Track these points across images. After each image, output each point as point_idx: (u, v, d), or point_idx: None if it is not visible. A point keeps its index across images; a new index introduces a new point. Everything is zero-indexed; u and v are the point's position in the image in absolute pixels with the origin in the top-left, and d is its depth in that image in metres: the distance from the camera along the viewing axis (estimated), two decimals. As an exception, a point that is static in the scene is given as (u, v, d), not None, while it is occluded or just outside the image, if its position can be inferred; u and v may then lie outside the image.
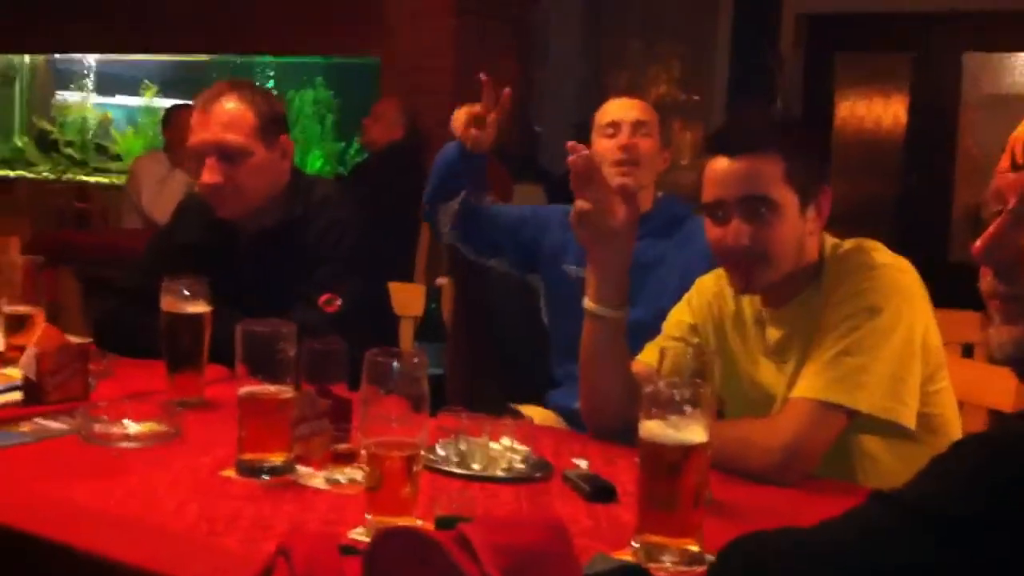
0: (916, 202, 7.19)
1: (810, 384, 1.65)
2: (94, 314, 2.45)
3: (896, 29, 7.13)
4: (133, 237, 4.80)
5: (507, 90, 2.46)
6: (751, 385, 1.83)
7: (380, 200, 4.47)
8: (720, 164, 1.73)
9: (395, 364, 1.34)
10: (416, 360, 1.35)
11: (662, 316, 1.99)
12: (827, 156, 1.79)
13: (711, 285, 1.93)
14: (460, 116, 2.49)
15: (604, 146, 2.58)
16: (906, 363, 1.67)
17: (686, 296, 1.96)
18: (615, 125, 2.59)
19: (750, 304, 1.86)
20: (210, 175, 2.22)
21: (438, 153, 2.59)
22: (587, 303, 1.80)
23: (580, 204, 1.75)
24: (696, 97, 7.54)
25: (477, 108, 2.47)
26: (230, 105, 2.24)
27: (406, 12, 5.39)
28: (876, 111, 7.40)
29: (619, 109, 2.63)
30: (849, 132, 7.50)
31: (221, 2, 6.58)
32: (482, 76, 2.46)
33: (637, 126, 2.59)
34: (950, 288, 2.16)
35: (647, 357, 1.88)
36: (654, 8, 7.42)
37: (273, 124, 2.29)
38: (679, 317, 1.93)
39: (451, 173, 2.56)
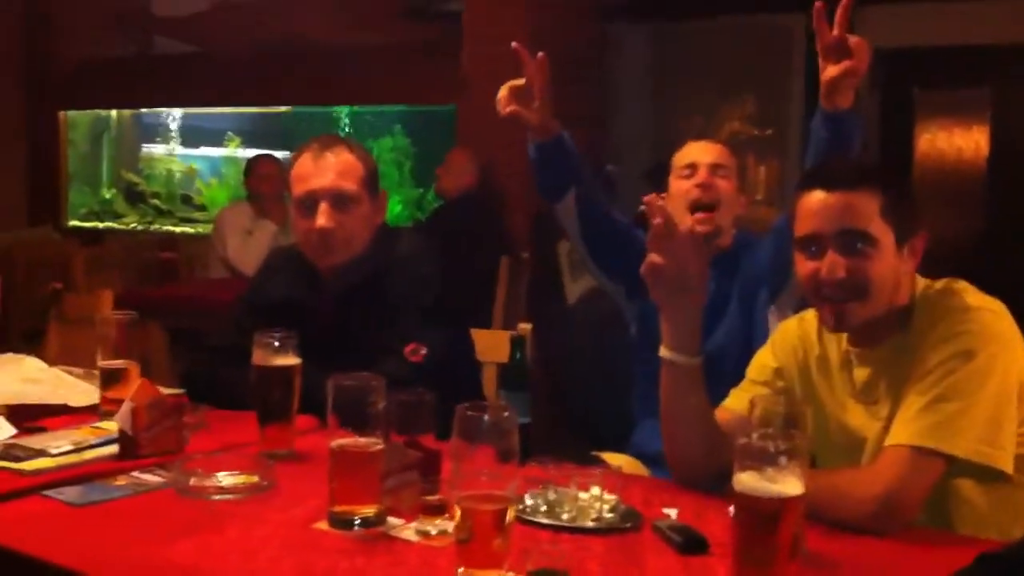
0: (1002, 237, 7.04)
1: (906, 430, 1.62)
2: (186, 369, 2.50)
3: (973, 62, 7.02)
4: (219, 288, 4.91)
5: (541, 54, 2.39)
6: (839, 429, 1.80)
7: (457, 247, 4.52)
8: (817, 197, 1.73)
9: (485, 417, 1.35)
10: (506, 414, 1.36)
11: (725, 350, 1.98)
12: (917, 198, 1.77)
13: (795, 328, 1.91)
14: (502, 93, 2.44)
15: (681, 187, 2.59)
16: (1003, 407, 1.63)
17: (770, 339, 1.95)
18: (692, 167, 2.60)
19: (836, 346, 1.83)
20: (326, 219, 2.27)
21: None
22: (663, 351, 1.79)
23: (653, 258, 1.75)
24: (769, 131, 7.49)
25: (519, 82, 2.42)
26: (343, 155, 2.32)
27: (483, 61, 5.46)
28: (957, 145, 7.29)
29: (697, 151, 2.64)
30: (930, 167, 7.38)
31: (300, 55, 6.74)
32: (513, 44, 2.40)
33: (715, 168, 2.60)
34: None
35: (732, 404, 1.87)
36: (725, 47, 7.41)
37: (374, 178, 2.38)
38: (763, 361, 1.91)
39: (539, 170, 2.55)
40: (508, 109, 2.42)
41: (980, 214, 7.11)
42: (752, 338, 2.45)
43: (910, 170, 7.29)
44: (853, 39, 2.07)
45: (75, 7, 7.73)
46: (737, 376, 1.95)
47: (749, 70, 7.41)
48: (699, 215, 2.53)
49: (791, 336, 1.88)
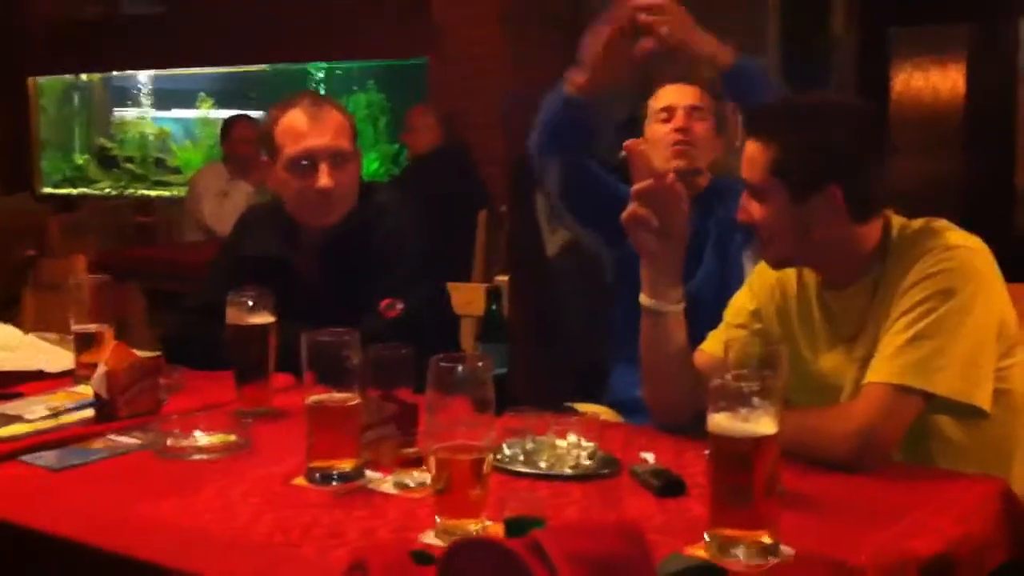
0: (977, 175, 7.06)
1: (885, 368, 1.63)
2: (163, 331, 2.49)
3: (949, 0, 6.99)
4: (196, 250, 4.87)
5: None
6: (816, 371, 1.81)
7: (430, 203, 4.49)
8: (746, 143, 1.77)
9: (459, 368, 1.35)
10: (480, 363, 1.36)
11: (701, 293, 2.01)
12: (839, 154, 1.72)
13: (773, 270, 1.91)
14: (600, 37, 2.29)
15: (658, 131, 2.56)
16: (982, 345, 1.64)
17: (747, 281, 1.95)
18: (669, 110, 2.57)
19: (814, 288, 1.84)
20: (327, 179, 2.25)
21: (545, 102, 2.48)
22: (643, 299, 1.80)
23: (635, 207, 1.75)
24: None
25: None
26: (335, 113, 2.30)
27: (454, 14, 5.40)
28: (933, 85, 7.27)
29: (674, 94, 2.61)
30: (906, 107, 7.37)
31: (271, 13, 6.65)
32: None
33: (692, 110, 2.57)
34: (1015, 261, 2.11)
35: (710, 347, 1.87)
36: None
37: (356, 135, 2.36)
38: (741, 303, 1.92)
39: (556, 126, 2.46)
40: (598, 61, 2.31)
41: (957, 154, 7.12)
42: (728, 281, 2.42)
43: (885, 111, 7.28)
44: None
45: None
46: (713, 319, 1.95)
47: (727, 16, 7.35)
48: (675, 150, 2.51)
49: (769, 278, 1.88)
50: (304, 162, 2.26)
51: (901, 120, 7.40)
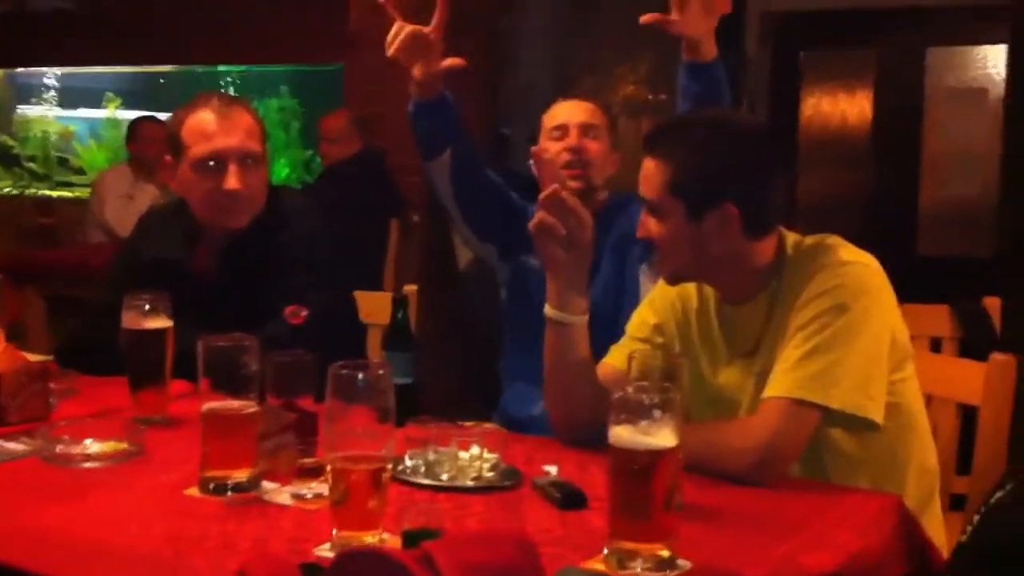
0: (884, 196, 7.23)
1: (782, 383, 1.65)
2: (61, 334, 2.41)
3: (859, 25, 7.17)
4: (98, 252, 4.75)
5: None
6: (715, 386, 1.82)
7: (344, 210, 4.45)
8: (643, 160, 1.78)
9: (360, 376, 1.32)
10: (381, 372, 1.33)
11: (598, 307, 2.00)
12: (735, 173, 1.75)
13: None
14: (400, 32, 2.29)
15: (552, 148, 2.53)
16: (875, 359, 1.67)
17: (649, 296, 1.96)
18: (562, 128, 2.56)
19: (713, 302, 1.85)
20: (236, 181, 2.20)
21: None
22: (548, 310, 1.79)
23: (541, 216, 1.75)
24: (663, 96, 7.56)
25: (418, 28, 2.29)
26: (244, 115, 2.26)
27: (369, 20, 5.35)
28: (841, 107, 7.45)
29: (567, 111, 2.59)
30: (815, 129, 7.53)
31: (183, 13, 6.53)
32: None
33: (586, 128, 2.55)
34: (918, 281, 2.16)
35: (613, 359, 1.87)
36: (620, 12, 7.43)
37: (266, 137, 2.33)
38: (643, 317, 1.92)
39: (417, 126, 2.47)
40: (397, 51, 2.30)
41: (864, 177, 7.29)
42: (624, 294, 2.46)
43: (795, 132, 7.44)
44: None
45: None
46: (609, 331, 1.96)
47: (645, 34, 7.45)
48: (570, 171, 2.50)
49: (670, 293, 1.90)
50: (212, 163, 2.21)
51: (811, 141, 7.56)
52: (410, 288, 2.59)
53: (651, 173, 1.74)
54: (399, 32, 2.29)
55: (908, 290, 1.85)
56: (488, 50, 5.88)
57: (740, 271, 1.77)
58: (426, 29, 2.31)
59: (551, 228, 1.74)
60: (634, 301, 2.37)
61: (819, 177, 7.43)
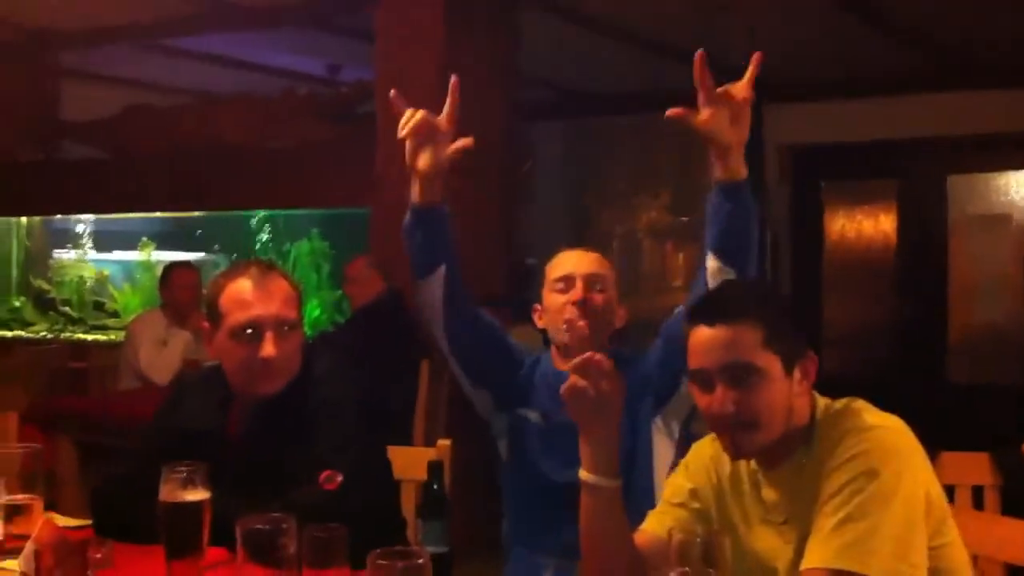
0: (911, 323, 7.22)
1: (819, 554, 1.63)
2: (93, 500, 2.40)
3: (880, 156, 7.27)
4: (129, 401, 4.79)
5: (455, 77, 2.27)
6: (752, 552, 1.80)
7: (372, 354, 4.46)
8: (701, 333, 1.76)
9: (399, 564, 1.32)
10: (420, 561, 1.33)
11: None
12: (799, 325, 1.79)
13: (708, 447, 1.92)
14: (414, 117, 2.25)
15: (556, 301, 2.44)
16: (911, 523, 1.65)
17: (683, 461, 1.96)
18: (567, 279, 2.45)
19: (746, 466, 1.85)
20: (272, 348, 2.23)
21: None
22: (583, 474, 1.79)
23: (574, 380, 1.75)
24: (685, 219, 7.65)
25: (432, 117, 2.26)
26: (281, 282, 2.30)
27: (396, 163, 5.46)
28: (866, 236, 7.50)
29: (573, 262, 2.48)
30: (839, 257, 7.56)
31: (215, 158, 6.71)
32: (454, 78, 2.28)
33: (592, 280, 2.44)
34: (949, 408, 2.14)
35: (651, 526, 1.86)
36: (638, 141, 7.59)
37: (301, 302, 2.36)
38: (679, 483, 1.91)
39: (412, 238, 2.37)
40: (409, 132, 2.25)
41: (890, 304, 7.29)
42: (636, 454, 2.37)
43: (819, 262, 7.48)
44: (735, 86, 2.08)
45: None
46: (624, 493, 1.91)
47: (664, 162, 7.59)
48: (576, 329, 2.39)
49: (704, 456, 1.89)
50: (249, 331, 2.25)
51: (835, 270, 7.59)
52: (443, 444, 2.57)
53: (733, 339, 1.72)
54: (412, 116, 2.27)
55: (940, 416, 1.85)
56: (506, 183, 5.98)
57: (784, 434, 1.76)
58: (439, 118, 2.30)
59: (584, 392, 1.75)
60: (647, 460, 2.33)
61: (845, 305, 7.44)
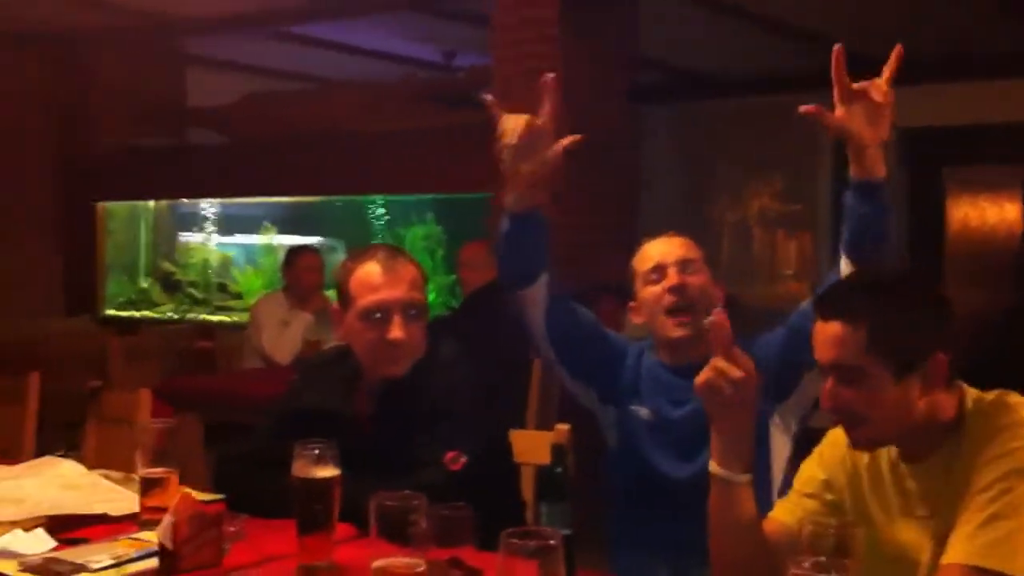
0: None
1: (963, 549, 1.59)
2: (219, 470, 2.48)
3: (1005, 141, 7.02)
4: (254, 379, 4.94)
5: (551, 75, 2.19)
6: (890, 544, 1.76)
7: (489, 335, 4.49)
8: (817, 326, 1.74)
9: (531, 543, 1.34)
10: (552, 541, 1.34)
11: None
12: (936, 322, 1.71)
13: (844, 436, 1.88)
14: (513, 125, 2.16)
15: (651, 293, 2.36)
16: None
17: (817, 449, 1.92)
18: (659, 269, 2.38)
19: (887, 457, 1.81)
20: (400, 331, 2.27)
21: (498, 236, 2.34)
22: (713, 467, 1.78)
23: (708, 375, 1.72)
24: (798, 206, 7.52)
25: (533, 119, 2.18)
26: (409, 267, 2.34)
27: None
28: (989, 223, 7.27)
29: (660, 251, 2.41)
30: (962, 245, 7.34)
31: (333, 144, 6.85)
32: (550, 75, 2.19)
33: (684, 265, 2.37)
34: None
35: (780, 515, 1.84)
36: (750, 126, 7.47)
37: (427, 285, 2.39)
38: (811, 472, 1.88)
39: (510, 247, 2.32)
40: (507, 146, 2.18)
41: (1016, 293, 7.05)
42: (756, 452, 2.29)
43: (941, 250, 7.27)
44: (874, 85, 1.99)
45: (109, 100, 7.91)
46: None
47: (775, 148, 7.46)
48: (677, 319, 2.33)
49: (840, 446, 1.85)
50: (378, 314, 2.29)
51: (958, 257, 7.36)
52: (563, 427, 2.58)
53: (841, 337, 1.69)
54: (512, 124, 2.18)
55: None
56: (620, 176, 5.96)
57: (927, 427, 1.72)
58: (538, 121, 2.21)
59: (718, 388, 1.73)
60: (763, 455, 2.26)
61: (967, 294, 7.22)
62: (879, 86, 2.00)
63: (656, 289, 2.36)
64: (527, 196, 2.28)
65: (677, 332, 2.31)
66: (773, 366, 2.27)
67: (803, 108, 2.01)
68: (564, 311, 2.41)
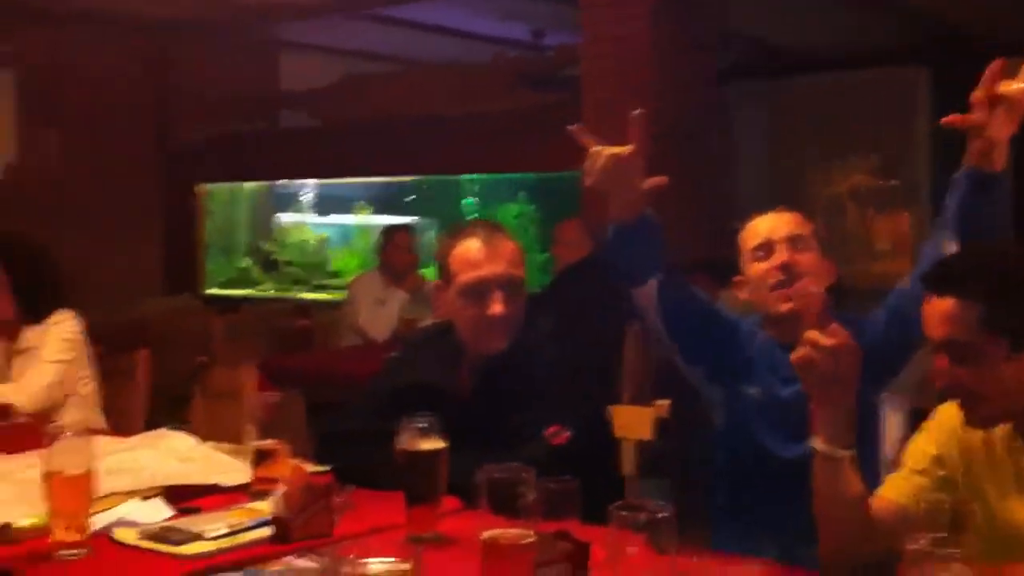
0: None
1: None
2: (320, 449, 2.52)
3: None
4: (351, 356, 5.04)
5: (640, 111, 2.16)
6: (1004, 521, 1.73)
7: (581, 311, 4.50)
8: (928, 301, 1.71)
9: (640, 517, 1.35)
10: (661, 515, 1.36)
11: None
12: None
13: (957, 412, 1.84)
14: (600, 163, 2.15)
15: (758, 270, 2.32)
16: None
17: (926, 424, 1.89)
18: (766, 245, 2.33)
19: (1001, 433, 1.77)
20: (500, 306, 2.31)
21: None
22: (815, 442, 1.75)
23: (805, 352, 1.69)
24: (895, 182, 7.35)
25: (619, 150, 2.15)
26: (508, 243, 2.37)
27: (602, 127, 5.48)
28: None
29: (769, 225, 2.36)
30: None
31: (424, 125, 6.90)
32: (638, 112, 2.17)
33: (794, 241, 2.32)
34: None
35: (889, 492, 1.81)
36: (843, 102, 7.31)
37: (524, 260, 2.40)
38: (922, 447, 1.85)
39: (618, 254, 2.31)
40: (596, 181, 2.16)
41: None
42: (861, 426, 2.13)
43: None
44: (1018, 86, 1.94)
45: (206, 84, 8.09)
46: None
47: (870, 123, 7.29)
48: (782, 294, 2.27)
49: (952, 420, 1.81)
50: (478, 290, 2.32)
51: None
52: (662, 403, 2.59)
53: (954, 314, 1.67)
54: (596, 159, 2.17)
55: None
56: (709, 153, 5.89)
57: None
58: (625, 151, 2.17)
59: (817, 363, 1.71)
60: (870, 433, 2.22)
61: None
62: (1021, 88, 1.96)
63: (763, 266, 2.33)
64: (627, 210, 2.25)
65: (782, 308, 2.28)
66: (878, 346, 2.21)
67: (945, 120, 1.99)
68: (679, 294, 2.37)
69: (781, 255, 2.30)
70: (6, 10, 6.29)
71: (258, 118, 8.27)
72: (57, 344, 3.44)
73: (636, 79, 5.45)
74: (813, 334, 1.70)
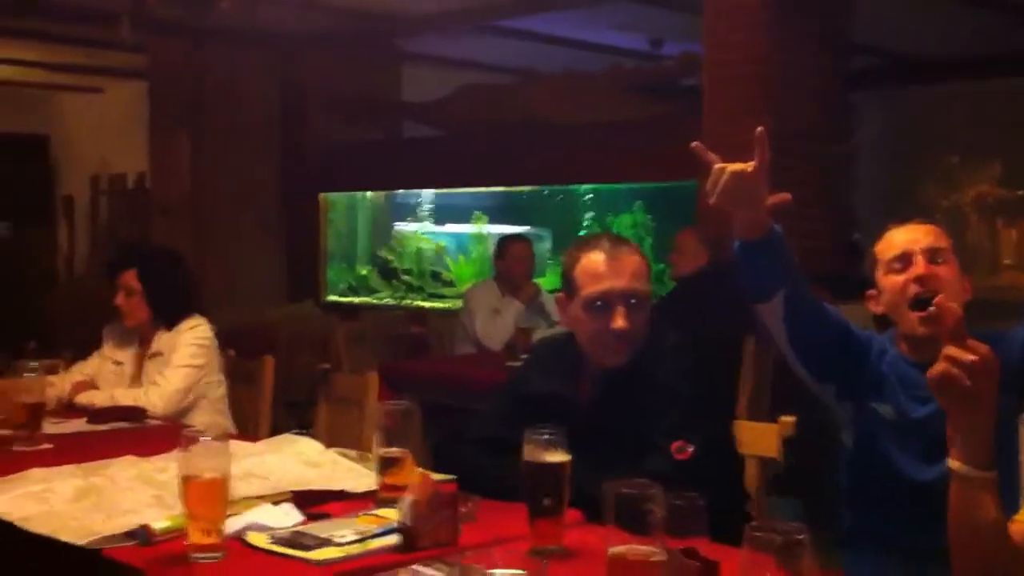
0: None
1: None
2: (438, 457, 2.56)
3: None
4: (467, 364, 5.08)
5: (761, 128, 2.13)
6: None
7: (699, 322, 4.46)
8: None
9: (776, 538, 1.33)
10: (800, 536, 1.34)
11: None
12: None
13: None
14: (723, 181, 2.11)
15: (895, 283, 2.26)
16: None
17: None
18: (904, 257, 2.26)
19: None
20: (623, 321, 2.31)
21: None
22: (952, 463, 1.70)
23: (943, 368, 1.63)
24: (1020, 192, 7.12)
25: (742, 166, 2.11)
26: (634, 256, 2.37)
27: (722, 138, 5.43)
28: None
29: (907, 237, 2.29)
30: None
31: (541, 135, 6.94)
32: (760, 129, 2.13)
33: (932, 253, 2.24)
34: None
35: (1028, 518, 1.75)
36: (964, 111, 7.11)
37: (651, 275, 2.42)
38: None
39: (744, 270, 2.25)
40: (720, 199, 2.12)
41: None
42: (1000, 450, 2.06)
43: None
44: None
45: (329, 95, 8.27)
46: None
47: (993, 132, 7.07)
48: (922, 314, 2.18)
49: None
50: (600, 303, 2.32)
51: None
52: (787, 420, 2.53)
53: None
54: (719, 177, 2.12)
55: None
56: (832, 156, 5.77)
57: None
58: (749, 169, 2.12)
59: (955, 380, 1.66)
60: (1010, 455, 2.14)
61: None
62: None
63: (899, 279, 2.27)
64: (750, 230, 2.21)
65: (921, 330, 2.20)
66: (1016, 362, 2.16)
67: None
68: (809, 317, 2.31)
69: (919, 267, 2.24)
70: (143, 23, 6.53)
71: (380, 128, 8.42)
72: (189, 349, 3.56)
73: (759, 87, 5.38)
74: (953, 350, 1.65)
